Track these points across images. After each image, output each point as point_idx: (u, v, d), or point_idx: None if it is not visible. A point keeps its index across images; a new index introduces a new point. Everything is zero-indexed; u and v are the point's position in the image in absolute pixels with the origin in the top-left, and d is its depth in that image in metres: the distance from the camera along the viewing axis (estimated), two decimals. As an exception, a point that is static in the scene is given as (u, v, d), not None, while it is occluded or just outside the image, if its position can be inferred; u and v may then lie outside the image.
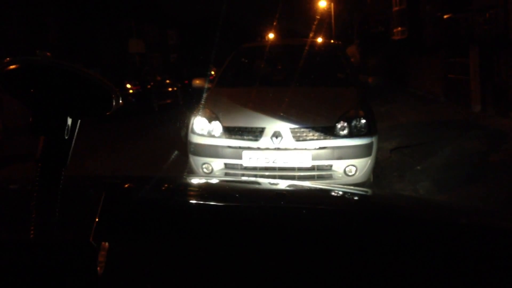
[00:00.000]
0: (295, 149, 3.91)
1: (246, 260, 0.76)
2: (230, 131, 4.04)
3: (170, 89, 15.91)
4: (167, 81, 16.10)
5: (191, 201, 1.20)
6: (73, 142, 0.60)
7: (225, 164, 4.05)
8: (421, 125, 8.90)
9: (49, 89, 0.58)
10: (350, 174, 3.93)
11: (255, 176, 3.94)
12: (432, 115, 10.39)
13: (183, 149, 4.62)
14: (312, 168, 3.93)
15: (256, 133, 3.97)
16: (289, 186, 1.53)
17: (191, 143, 4.18)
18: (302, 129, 3.95)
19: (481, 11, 15.47)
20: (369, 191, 1.86)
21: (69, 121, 0.60)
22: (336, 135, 3.95)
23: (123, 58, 27.89)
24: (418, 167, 5.49)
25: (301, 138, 3.93)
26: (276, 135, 3.92)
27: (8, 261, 0.52)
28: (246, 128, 4.03)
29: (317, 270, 0.73)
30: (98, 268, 0.53)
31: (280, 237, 0.85)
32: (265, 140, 3.93)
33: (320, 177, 3.96)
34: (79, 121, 0.62)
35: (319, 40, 11.87)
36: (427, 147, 6.56)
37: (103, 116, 0.64)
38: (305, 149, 3.90)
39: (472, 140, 6.97)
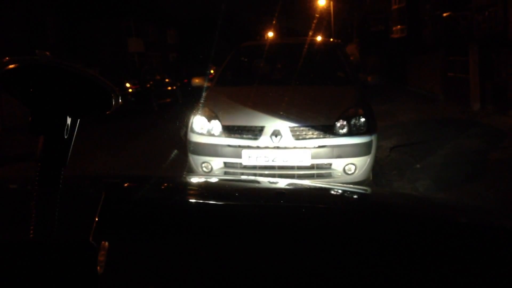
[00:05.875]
0: (294, 147, 3.91)
1: (246, 259, 0.76)
2: (229, 130, 4.04)
3: (169, 88, 15.91)
4: (167, 80, 16.10)
5: (190, 201, 1.20)
6: (73, 141, 0.60)
7: (225, 163, 4.05)
8: (420, 123, 8.91)
9: (49, 88, 0.58)
10: (349, 172, 3.93)
11: (255, 175, 3.94)
12: (432, 113, 10.40)
13: (183, 148, 4.62)
14: (311, 167, 3.93)
15: (255, 132, 3.97)
16: (288, 185, 1.53)
17: (190, 142, 4.18)
18: (301, 128, 3.95)
19: (481, 10, 15.47)
20: (369, 190, 1.86)
21: (69, 120, 0.59)
22: (336, 134, 3.95)
23: (122, 57, 27.90)
24: (418, 166, 5.49)
25: (300, 137, 3.92)
26: (276, 133, 3.92)
27: (8, 261, 0.52)
28: (245, 127, 4.03)
29: (317, 268, 0.73)
30: (98, 268, 0.53)
31: (280, 236, 0.85)
32: (264, 139, 3.93)
33: (319, 176, 3.96)
34: (78, 120, 0.62)
35: (319, 38, 11.87)
36: (426, 146, 6.57)
37: (102, 116, 0.64)
38: (305, 147, 3.90)
39: (471, 138, 6.98)
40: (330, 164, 3.93)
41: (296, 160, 3.91)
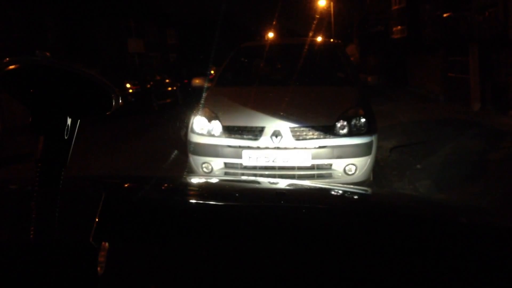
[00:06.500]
0: (295, 148, 3.91)
1: (246, 259, 0.76)
2: (229, 131, 4.04)
3: (169, 88, 15.91)
4: (167, 80, 16.10)
5: (191, 201, 1.20)
6: (73, 142, 0.60)
7: (225, 163, 4.05)
8: (420, 123, 8.91)
9: (49, 89, 0.58)
10: (350, 173, 3.93)
11: (255, 175, 3.94)
12: (432, 113, 10.39)
13: (183, 148, 4.62)
14: (312, 167, 3.93)
15: (255, 132, 3.97)
16: (289, 185, 1.53)
17: (190, 142, 4.18)
18: (302, 128, 3.95)
19: (481, 10, 15.47)
20: (369, 190, 1.86)
21: (69, 121, 0.59)
22: (336, 134, 3.95)
23: (123, 58, 27.90)
24: (418, 166, 5.49)
25: (301, 137, 3.92)
26: (276, 134, 3.92)
27: (8, 261, 0.52)
28: (245, 127, 4.03)
29: (317, 269, 0.73)
30: (98, 268, 0.53)
31: (280, 236, 0.85)
32: (264, 139, 3.93)
33: (320, 176, 3.95)
34: (78, 121, 0.62)
35: (319, 39, 11.88)
36: (426, 146, 6.56)
37: (102, 116, 0.64)
38: (305, 148, 3.90)
39: (472, 139, 6.98)
40: (331, 165, 3.93)
41: (297, 160, 3.91)
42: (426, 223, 1.00)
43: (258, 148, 3.95)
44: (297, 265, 0.74)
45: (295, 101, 4.28)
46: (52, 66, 0.57)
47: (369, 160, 3.98)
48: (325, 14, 29.21)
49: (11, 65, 0.56)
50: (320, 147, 3.90)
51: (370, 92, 5.08)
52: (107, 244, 0.59)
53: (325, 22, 28.56)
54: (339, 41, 6.65)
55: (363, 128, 4.01)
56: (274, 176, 3.94)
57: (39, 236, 0.55)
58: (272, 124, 3.95)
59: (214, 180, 1.98)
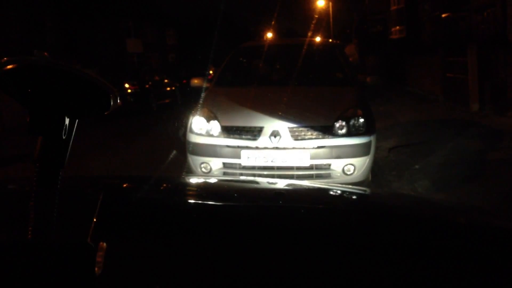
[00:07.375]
0: (293, 148, 3.91)
1: (245, 259, 0.76)
2: (228, 131, 4.04)
3: (168, 88, 15.93)
4: (166, 80, 16.11)
5: (189, 201, 1.20)
6: (71, 142, 0.60)
7: (224, 163, 4.05)
8: (419, 124, 8.92)
9: (47, 89, 0.57)
10: (348, 173, 3.93)
11: (254, 175, 3.94)
12: (431, 114, 10.40)
13: (182, 148, 4.62)
14: (310, 167, 3.93)
15: (254, 133, 3.97)
16: (287, 185, 1.53)
17: (189, 142, 4.18)
18: (300, 128, 3.95)
19: (479, 10, 15.48)
20: (368, 190, 1.85)
21: (67, 121, 0.59)
22: (335, 134, 3.95)
23: (122, 58, 27.89)
24: (416, 166, 5.49)
25: (299, 137, 3.93)
26: (275, 134, 3.92)
27: (6, 261, 0.52)
28: (244, 127, 4.03)
29: (315, 269, 0.73)
30: (96, 268, 0.53)
31: (278, 236, 0.85)
32: (263, 140, 3.93)
33: (318, 176, 3.96)
34: (76, 121, 0.62)
35: (318, 39, 11.89)
36: (425, 146, 6.57)
37: (101, 116, 0.64)
38: (304, 148, 3.91)
39: (470, 139, 6.99)
40: (329, 165, 3.93)
41: (295, 160, 3.91)
42: (425, 223, 1.00)
43: (257, 148, 3.95)
44: (295, 265, 0.74)
45: (294, 101, 4.28)
46: (50, 66, 0.57)
47: (367, 160, 3.99)
48: (324, 14, 29.26)
49: (9, 65, 0.56)
50: (318, 147, 3.90)
51: (368, 92, 5.08)
52: (105, 244, 0.59)
53: (324, 22, 28.60)
54: (338, 41, 6.65)
55: (361, 128, 4.01)
56: (272, 176, 3.94)
57: (37, 236, 0.55)
58: (271, 124, 3.95)
59: (212, 180, 1.98)
